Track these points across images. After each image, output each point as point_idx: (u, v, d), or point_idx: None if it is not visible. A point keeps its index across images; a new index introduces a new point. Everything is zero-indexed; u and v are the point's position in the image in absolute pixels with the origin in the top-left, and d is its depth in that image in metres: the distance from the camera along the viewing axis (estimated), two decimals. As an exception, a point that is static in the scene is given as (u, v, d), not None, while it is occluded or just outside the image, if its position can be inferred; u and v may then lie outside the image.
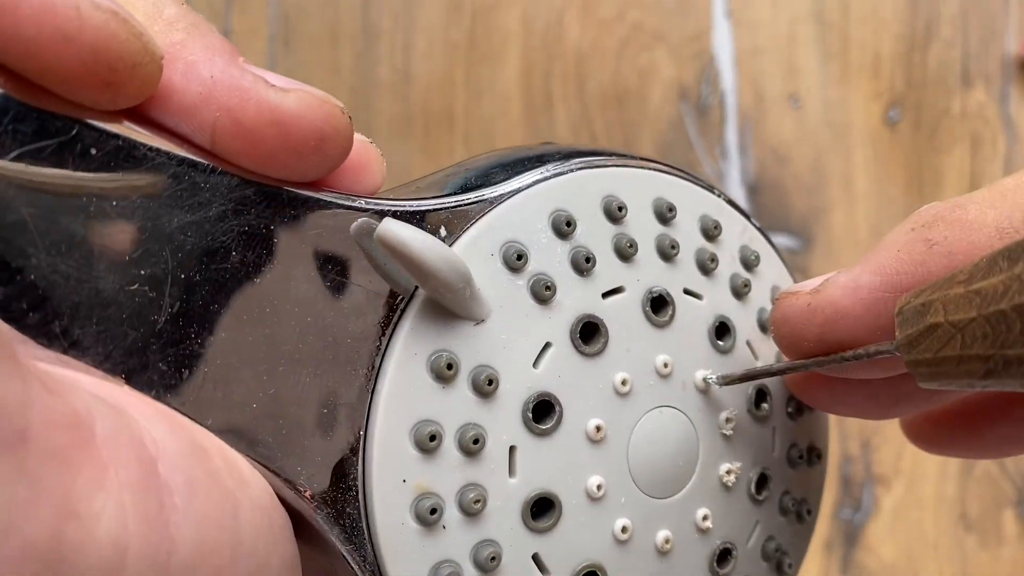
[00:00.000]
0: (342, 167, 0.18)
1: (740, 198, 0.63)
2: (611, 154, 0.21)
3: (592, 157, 0.21)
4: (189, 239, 0.16)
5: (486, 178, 0.20)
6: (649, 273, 0.21)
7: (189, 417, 0.16)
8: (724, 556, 0.22)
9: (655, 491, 0.21)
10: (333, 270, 0.18)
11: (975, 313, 0.16)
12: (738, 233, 0.23)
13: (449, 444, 0.18)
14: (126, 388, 0.16)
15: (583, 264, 0.20)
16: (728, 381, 0.22)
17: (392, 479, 0.18)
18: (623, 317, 0.20)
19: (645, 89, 0.64)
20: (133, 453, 0.14)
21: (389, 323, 0.18)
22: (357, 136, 0.18)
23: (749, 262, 0.23)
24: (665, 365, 0.21)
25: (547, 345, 0.19)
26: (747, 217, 0.23)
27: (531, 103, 0.63)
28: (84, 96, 0.15)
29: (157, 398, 0.16)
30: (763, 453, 0.23)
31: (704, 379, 0.21)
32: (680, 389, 0.21)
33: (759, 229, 0.23)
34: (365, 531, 0.18)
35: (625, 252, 0.20)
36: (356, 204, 0.18)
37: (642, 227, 0.21)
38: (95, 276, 0.15)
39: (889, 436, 0.63)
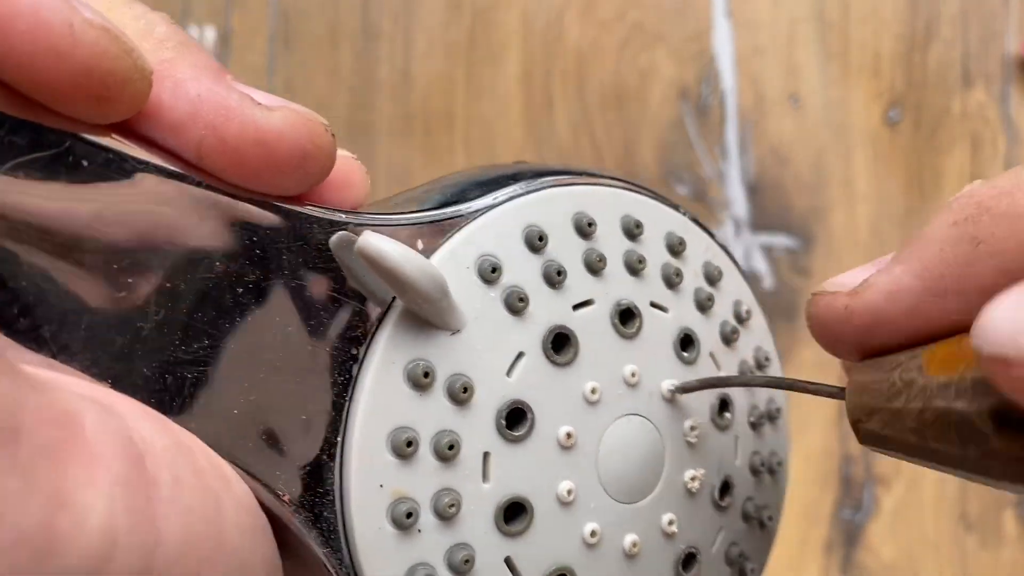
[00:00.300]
0: (326, 182, 0.19)
1: (740, 198, 0.63)
2: (581, 172, 0.22)
3: (563, 176, 0.22)
4: (175, 249, 0.17)
5: (462, 194, 0.21)
6: (617, 286, 0.22)
7: (173, 421, 0.17)
8: (689, 560, 0.23)
9: (623, 496, 0.22)
10: (314, 282, 0.18)
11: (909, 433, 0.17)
12: (702, 250, 0.24)
13: (425, 450, 0.19)
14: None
15: (555, 277, 0.21)
16: (684, 389, 0.22)
17: (369, 484, 0.18)
18: (593, 328, 0.21)
19: (645, 89, 0.64)
20: (121, 449, 0.14)
21: (367, 333, 0.19)
22: (341, 152, 0.19)
23: (712, 277, 0.24)
24: (632, 375, 0.22)
25: (520, 355, 0.20)
26: (711, 235, 0.24)
27: (531, 103, 0.63)
28: (76, 110, 0.16)
29: (142, 402, 0.16)
30: (726, 461, 0.24)
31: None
32: (647, 398, 0.22)
33: (722, 247, 0.24)
34: (342, 535, 0.18)
35: (595, 266, 0.21)
36: (336, 218, 0.19)
37: (611, 242, 0.22)
38: (84, 284, 0.16)
39: (889, 436, 0.63)
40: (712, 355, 0.24)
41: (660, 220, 0.23)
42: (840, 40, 0.65)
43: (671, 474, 0.22)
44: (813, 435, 0.62)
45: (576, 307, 0.21)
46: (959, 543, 0.63)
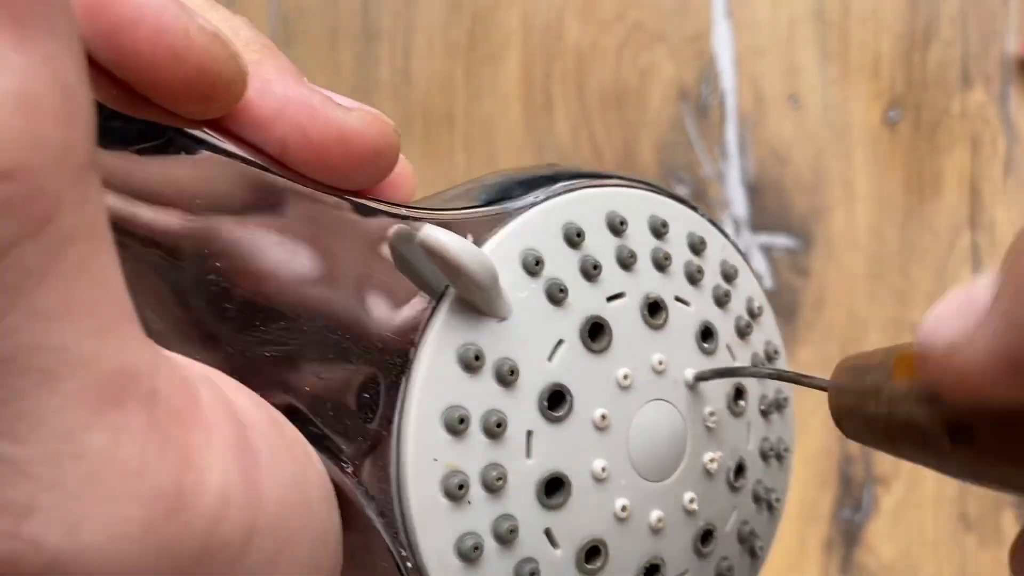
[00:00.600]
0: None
1: (740, 198, 0.64)
2: (611, 175, 0.24)
3: (596, 178, 0.24)
4: (258, 234, 0.19)
5: (506, 193, 0.22)
6: (646, 281, 0.23)
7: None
8: (707, 536, 0.24)
9: (650, 475, 0.23)
10: (377, 270, 0.20)
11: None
12: (719, 249, 0.26)
13: (475, 427, 0.20)
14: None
15: (591, 271, 0.22)
16: (701, 377, 0.24)
17: (424, 458, 0.20)
18: (624, 319, 0.23)
19: (645, 89, 0.64)
20: (229, 419, 0.16)
21: (423, 319, 0.20)
22: None
23: (729, 275, 0.26)
24: (660, 363, 0.23)
25: (560, 341, 0.22)
26: (726, 236, 0.26)
27: (531, 103, 0.63)
28: (183, 107, 0.18)
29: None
30: (740, 445, 0.26)
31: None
32: (672, 385, 0.24)
33: (735, 247, 0.26)
34: (397, 505, 0.20)
35: (626, 262, 0.23)
36: (398, 212, 0.20)
37: (640, 240, 0.24)
38: (177, 265, 0.18)
39: (888, 436, 0.63)
40: (728, 347, 0.25)
41: (683, 221, 0.25)
42: (840, 40, 0.65)
43: (692, 456, 0.24)
44: (813, 435, 0.63)
45: (610, 299, 0.23)
46: (958, 543, 0.63)
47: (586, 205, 0.23)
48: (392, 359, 0.20)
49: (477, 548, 0.20)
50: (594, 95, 0.65)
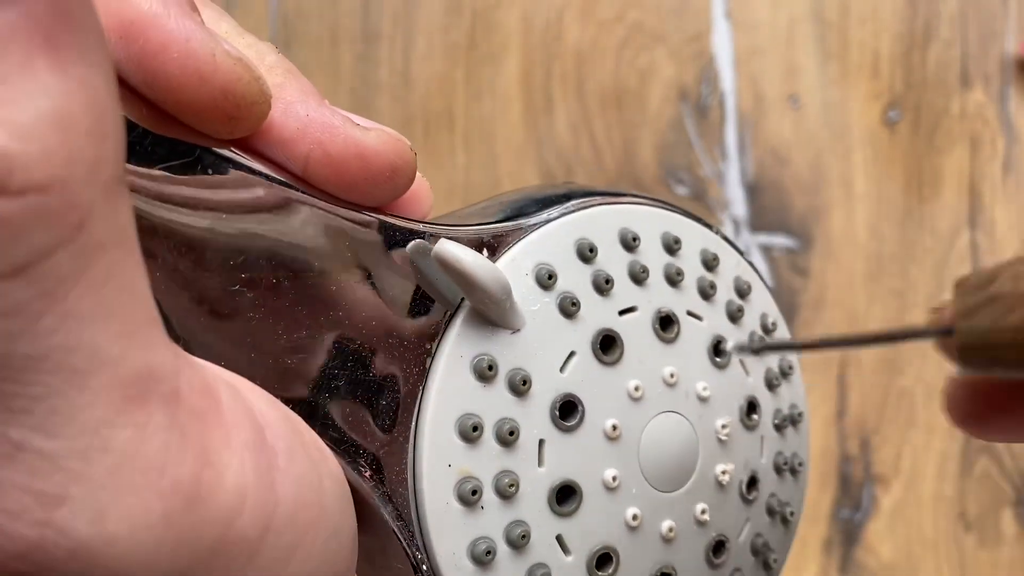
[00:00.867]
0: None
1: (740, 198, 0.64)
2: (625, 193, 0.25)
3: (609, 196, 0.24)
4: (281, 247, 0.19)
5: (520, 210, 0.23)
6: (658, 296, 0.24)
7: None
8: (719, 547, 0.25)
9: (661, 485, 0.24)
10: (395, 283, 0.21)
11: None
12: (733, 266, 0.26)
13: (488, 435, 0.21)
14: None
15: (603, 285, 0.23)
16: (743, 349, 0.25)
17: (439, 463, 0.21)
18: (636, 332, 0.24)
19: (645, 89, 0.64)
20: (248, 420, 0.17)
21: (439, 330, 0.21)
22: None
23: (742, 291, 0.26)
24: (671, 375, 0.24)
25: (572, 353, 0.22)
26: (740, 252, 0.27)
27: (531, 103, 0.63)
28: (208, 127, 0.19)
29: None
30: (753, 458, 0.26)
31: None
32: (684, 397, 0.24)
33: (750, 263, 0.27)
34: (413, 509, 0.21)
35: (638, 276, 0.24)
36: (416, 227, 0.21)
37: (652, 256, 0.24)
38: (203, 276, 0.18)
39: (888, 436, 0.63)
40: (741, 362, 0.26)
41: (696, 237, 0.25)
42: (839, 40, 0.65)
43: (704, 467, 0.25)
44: (812, 435, 0.63)
45: (622, 312, 0.23)
46: (958, 542, 0.63)
47: (599, 221, 0.23)
48: (409, 368, 0.21)
49: (490, 552, 0.21)
50: (594, 95, 0.65)
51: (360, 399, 0.20)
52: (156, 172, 0.18)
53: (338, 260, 0.20)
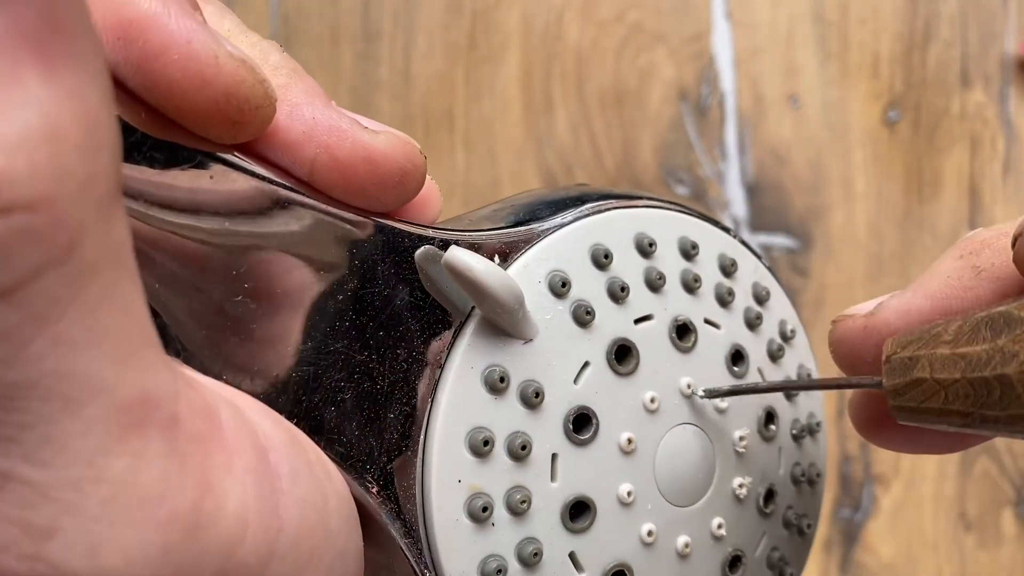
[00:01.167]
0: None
1: (740, 198, 0.63)
2: (640, 196, 0.24)
3: (624, 199, 0.24)
4: (285, 256, 0.19)
5: (533, 214, 0.22)
6: (675, 303, 0.23)
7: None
8: (735, 563, 0.24)
9: (677, 500, 0.23)
10: (403, 292, 0.20)
11: (959, 375, 0.19)
12: (751, 271, 0.25)
13: (500, 449, 0.20)
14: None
15: (618, 293, 0.22)
16: (713, 394, 0.24)
17: (448, 479, 0.20)
18: (652, 342, 0.23)
19: (645, 89, 0.64)
20: (250, 443, 0.16)
21: (448, 340, 0.20)
22: None
23: (761, 297, 0.25)
24: (688, 386, 0.23)
25: (586, 364, 0.22)
26: (758, 257, 0.26)
27: (531, 103, 0.63)
28: (211, 131, 0.18)
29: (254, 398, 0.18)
30: (770, 470, 0.25)
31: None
32: (700, 409, 0.24)
33: (768, 268, 0.26)
34: (422, 526, 0.20)
35: (655, 284, 0.23)
36: (425, 233, 0.20)
37: (669, 262, 0.23)
38: (205, 287, 0.18)
39: (888, 436, 0.63)
40: (760, 370, 0.25)
41: (714, 242, 0.25)
42: (839, 40, 0.65)
43: (721, 481, 0.24)
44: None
45: (637, 321, 0.23)
46: (958, 542, 0.63)
47: (614, 226, 0.23)
48: (418, 380, 0.20)
49: (501, 571, 0.20)
50: (594, 95, 0.64)
51: (367, 413, 0.19)
52: (156, 177, 0.17)
53: (344, 268, 0.19)
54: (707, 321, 0.24)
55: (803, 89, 0.65)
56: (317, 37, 0.63)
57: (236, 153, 0.18)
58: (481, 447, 0.20)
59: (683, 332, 0.23)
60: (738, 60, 0.65)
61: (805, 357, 0.27)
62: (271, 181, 0.18)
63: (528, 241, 0.21)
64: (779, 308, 0.26)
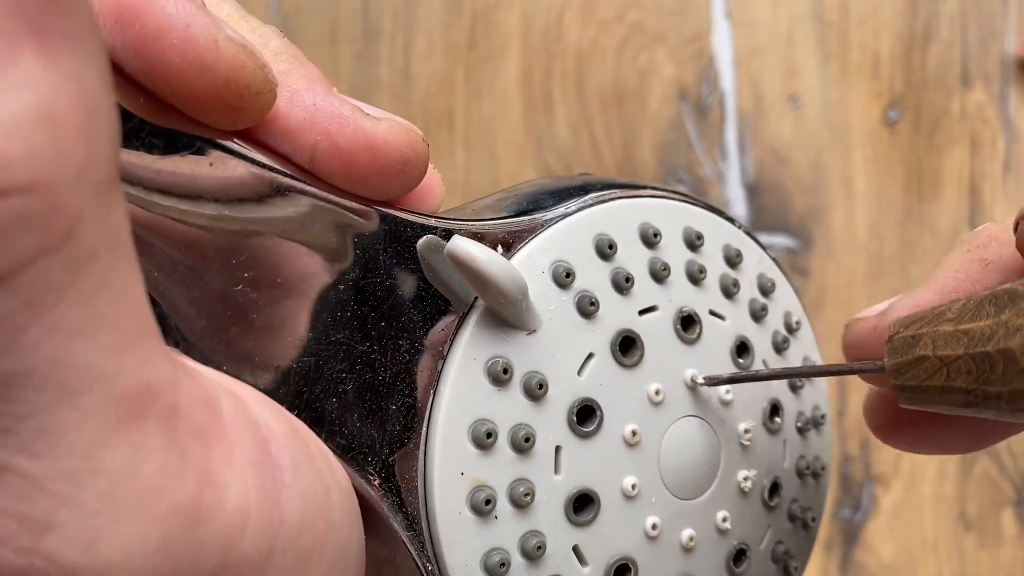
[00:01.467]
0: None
1: (740, 198, 0.63)
2: (645, 186, 0.24)
3: (628, 188, 0.23)
4: (285, 244, 0.18)
5: (536, 203, 0.22)
6: (680, 294, 0.23)
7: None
8: (740, 556, 0.24)
9: (682, 493, 0.23)
10: (405, 282, 0.20)
11: (962, 351, 0.18)
12: (756, 262, 0.25)
13: (503, 441, 0.20)
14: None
15: (623, 283, 0.22)
16: (714, 382, 0.23)
17: (451, 472, 0.20)
18: (657, 333, 0.22)
19: (645, 89, 0.64)
20: (251, 434, 0.16)
21: (451, 331, 0.20)
22: None
23: (766, 289, 0.25)
24: (693, 379, 0.23)
25: (590, 355, 0.21)
26: (763, 248, 0.26)
27: (531, 103, 0.63)
28: (210, 118, 0.17)
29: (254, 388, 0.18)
30: (775, 463, 0.25)
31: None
32: (705, 401, 0.23)
33: (773, 259, 0.26)
34: (424, 519, 0.20)
35: (659, 274, 0.23)
36: (427, 222, 0.20)
37: (674, 252, 0.23)
38: (205, 276, 0.17)
39: (889, 436, 0.63)
40: (765, 362, 0.25)
41: (719, 233, 0.24)
42: (839, 40, 0.65)
43: (726, 474, 0.24)
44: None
45: (642, 312, 0.22)
46: (958, 542, 0.63)
47: (619, 216, 0.22)
48: (420, 371, 0.20)
49: (504, 564, 0.20)
50: (594, 95, 0.64)
51: (369, 404, 0.19)
52: (154, 163, 0.17)
53: (345, 257, 0.19)
54: (712, 312, 0.24)
55: (803, 89, 0.65)
56: (316, 37, 0.63)
57: (235, 139, 0.18)
58: (484, 439, 0.20)
59: (688, 323, 0.23)
60: (738, 60, 0.65)
61: (810, 349, 0.26)
62: (271, 168, 0.18)
63: (531, 231, 0.21)
64: (784, 300, 0.26)
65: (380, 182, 0.19)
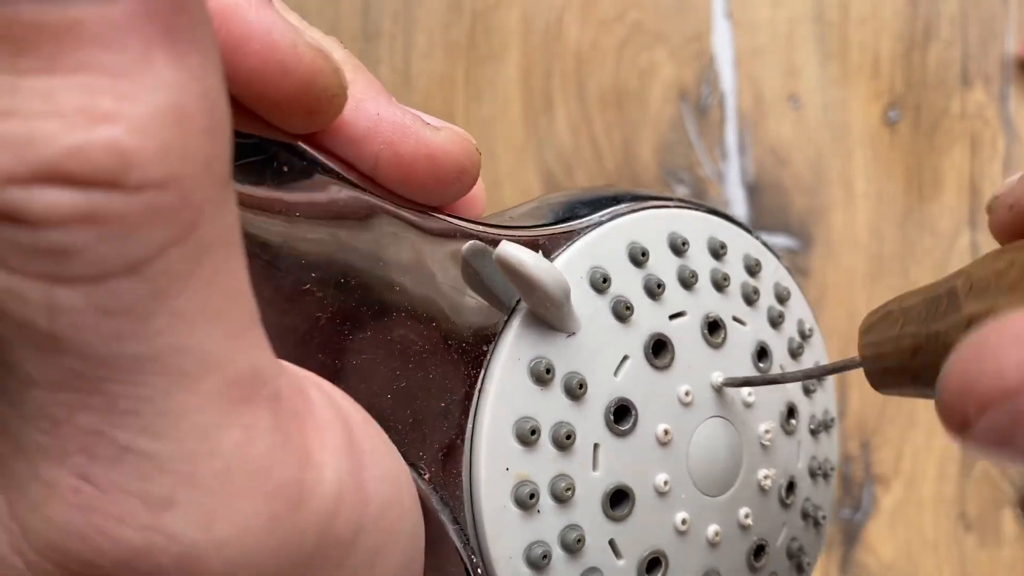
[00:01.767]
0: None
1: (740, 198, 0.63)
2: (671, 198, 0.25)
3: (658, 200, 0.25)
4: (350, 248, 0.19)
5: (571, 212, 0.23)
6: (706, 300, 0.24)
7: None
8: (759, 551, 0.25)
9: (709, 490, 0.24)
10: (453, 285, 0.21)
11: (919, 299, 0.19)
12: (772, 271, 0.26)
13: (545, 439, 0.21)
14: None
15: (655, 289, 0.23)
16: (730, 383, 0.24)
17: (496, 467, 0.20)
18: (686, 337, 0.24)
19: (645, 89, 0.64)
20: (338, 420, 0.17)
21: (495, 332, 0.21)
22: None
23: (782, 297, 0.27)
24: (718, 381, 0.24)
25: (625, 357, 0.22)
26: (778, 257, 0.27)
27: (531, 103, 0.63)
28: (288, 121, 0.18)
29: None
30: (791, 463, 0.26)
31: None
32: (729, 402, 0.24)
33: (787, 269, 0.27)
34: (470, 512, 0.20)
35: (688, 281, 0.24)
36: (477, 229, 0.21)
37: (700, 261, 0.24)
38: (276, 275, 0.18)
39: (889, 436, 0.63)
40: (782, 367, 0.26)
41: (740, 243, 0.26)
42: (839, 41, 0.65)
43: (748, 472, 0.25)
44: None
45: (672, 317, 0.23)
46: (958, 542, 0.63)
47: (650, 225, 0.23)
48: (467, 370, 0.21)
49: (546, 557, 0.21)
50: (594, 95, 0.64)
51: (419, 401, 0.20)
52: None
53: (402, 261, 0.20)
54: (735, 318, 0.25)
55: (803, 89, 0.65)
56: (317, 36, 0.63)
57: (302, 144, 0.19)
58: (528, 436, 0.20)
59: (714, 328, 0.24)
60: (738, 60, 0.65)
61: (821, 355, 0.28)
62: (337, 174, 0.19)
63: (569, 238, 0.22)
64: (798, 308, 0.27)
65: (437, 189, 0.20)
